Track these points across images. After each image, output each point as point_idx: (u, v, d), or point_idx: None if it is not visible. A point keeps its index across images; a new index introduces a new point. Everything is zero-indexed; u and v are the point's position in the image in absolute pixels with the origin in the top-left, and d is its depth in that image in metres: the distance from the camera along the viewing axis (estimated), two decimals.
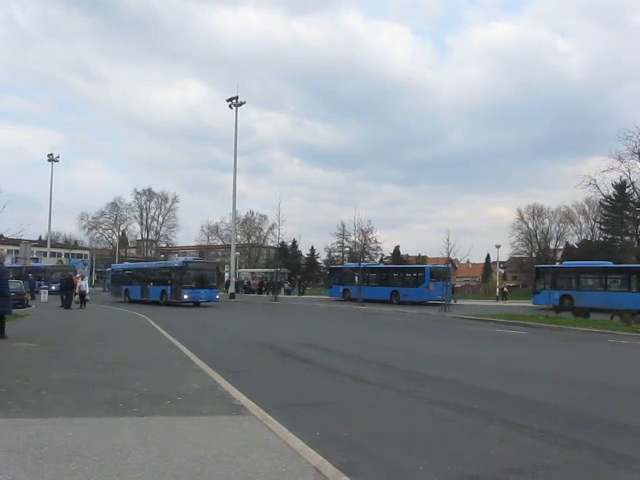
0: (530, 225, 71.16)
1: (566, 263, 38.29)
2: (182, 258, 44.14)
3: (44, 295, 35.14)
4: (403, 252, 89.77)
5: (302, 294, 52.01)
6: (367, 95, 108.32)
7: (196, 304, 32.55)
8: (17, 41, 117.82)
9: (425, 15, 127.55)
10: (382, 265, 52.17)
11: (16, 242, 42.07)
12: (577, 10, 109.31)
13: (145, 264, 46.65)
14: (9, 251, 62.18)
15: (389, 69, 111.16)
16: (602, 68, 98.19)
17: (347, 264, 50.16)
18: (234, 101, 45.99)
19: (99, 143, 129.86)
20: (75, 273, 34.30)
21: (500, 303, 42.55)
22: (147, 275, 37.09)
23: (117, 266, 44.98)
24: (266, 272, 57.01)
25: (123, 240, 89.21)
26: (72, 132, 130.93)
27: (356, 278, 37.64)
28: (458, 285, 67.81)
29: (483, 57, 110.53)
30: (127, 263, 53.78)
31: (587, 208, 65.94)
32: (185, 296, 32.19)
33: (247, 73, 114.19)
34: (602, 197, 57.14)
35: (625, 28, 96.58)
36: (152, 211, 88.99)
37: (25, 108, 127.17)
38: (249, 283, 56.32)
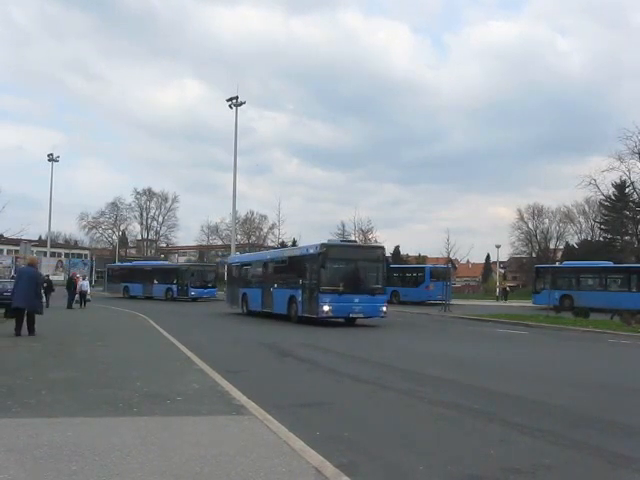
0: (530, 225, 71.21)
1: (566, 263, 38.32)
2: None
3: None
4: (403, 252, 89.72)
5: None
6: (367, 94, 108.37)
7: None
8: (15, 40, 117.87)
9: (424, 13, 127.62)
10: None
11: (16, 242, 42.13)
12: (577, 9, 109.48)
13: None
14: (9, 251, 62.30)
15: (388, 68, 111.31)
16: (602, 67, 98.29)
17: None
18: (234, 101, 45.91)
19: (99, 143, 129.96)
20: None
21: (500, 303, 42.57)
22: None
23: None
24: None
25: (123, 240, 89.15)
26: (72, 132, 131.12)
27: None
28: (458, 285, 67.82)
29: (483, 56, 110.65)
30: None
31: (587, 208, 65.97)
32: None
33: (246, 72, 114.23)
34: (602, 197, 57.16)
35: (625, 27, 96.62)
36: (152, 211, 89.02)
37: (24, 107, 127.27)
38: None
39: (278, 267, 22.91)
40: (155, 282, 40.97)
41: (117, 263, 58.60)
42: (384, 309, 19.26)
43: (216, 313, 26.39)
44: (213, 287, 39.83)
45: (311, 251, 19.83)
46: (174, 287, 38.89)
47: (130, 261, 72.38)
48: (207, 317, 24.72)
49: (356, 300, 18.73)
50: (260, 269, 24.53)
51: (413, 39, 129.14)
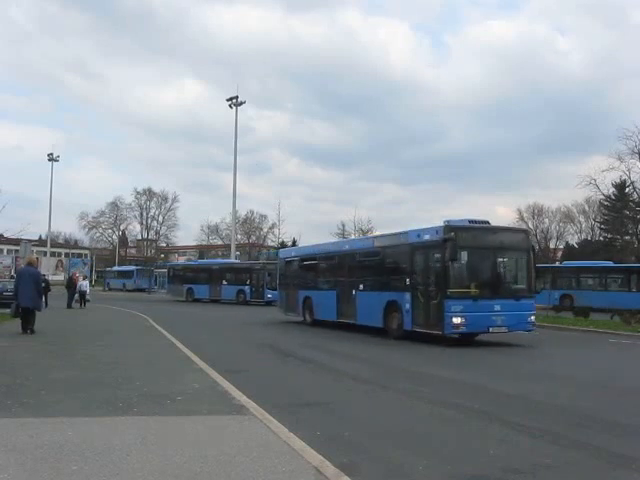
0: (530, 224, 70.99)
1: (566, 263, 38.28)
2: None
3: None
4: None
5: None
6: (366, 93, 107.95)
7: None
8: (14, 39, 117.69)
9: (424, 12, 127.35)
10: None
11: (16, 242, 42.14)
12: (577, 8, 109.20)
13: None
14: (9, 251, 62.33)
15: (388, 67, 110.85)
16: (602, 66, 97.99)
17: None
18: (234, 100, 45.96)
19: (98, 142, 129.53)
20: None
21: None
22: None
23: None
24: None
25: (123, 240, 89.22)
26: (71, 131, 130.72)
27: None
28: None
29: (482, 55, 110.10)
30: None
31: (587, 208, 65.91)
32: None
33: (245, 71, 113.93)
34: (602, 197, 57.08)
35: (626, 26, 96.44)
36: (152, 211, 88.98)
37: (23, 107, 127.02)
38: None
39: (365, 262, 17.00)
40: (224, 283, 36.34)
41: (179, 262, 53.12)
42: (533, 319, 14.08)
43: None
44: None
45: (427, 237, 13.91)
46: (247, 289, 34.19)
47: (136, 261, 72.38)
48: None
49: (497, 307, 13.22)
50: (333, 265, 18.79)
51: (412, 38, 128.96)
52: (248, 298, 33.97)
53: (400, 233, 15.63)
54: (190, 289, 38.46)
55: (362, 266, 17.07)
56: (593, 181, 50.47)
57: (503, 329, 13.54)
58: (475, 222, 14.45)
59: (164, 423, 5.38)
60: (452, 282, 13.12)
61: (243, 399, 6.47)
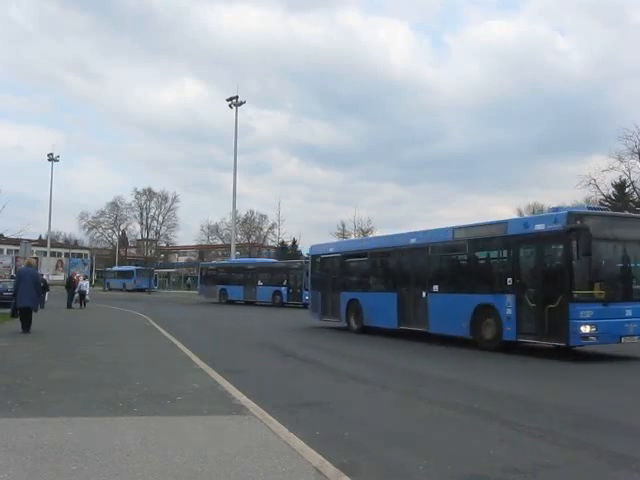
0: None
1: None
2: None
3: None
4: None
5: None
6: (366, 93, 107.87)
7: None
8: (14, 39, 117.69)
9: (424, 12, 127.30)
10: None
11: (16, 242, 42.17)
12: (577, 8, 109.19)
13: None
14: (9, 251, 62.37)
15: (388, 67, 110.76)
16: (602, 66, 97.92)
17: None
18: (234, 101, 46.01)
19: (98, 142, 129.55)
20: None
21: None
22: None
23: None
24: None
25: (123, 240, 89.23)
26: (71, 131, 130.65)
27: None
28: None
29: (482, 55, 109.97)
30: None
31: None
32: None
33: (245, 71, 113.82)
34: (602, 197, 57.13)
35: (626, 26, 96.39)
36: (152, 211, 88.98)
37: (23, 107, 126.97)
38: None
39: (441, 258, 14.51)
40: (259, 283, 34.32)
41: (213, 262, 50.42)
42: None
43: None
44: None
45: (540, 227, 11.48)
46: (283, 290, 32.15)
47: (136, 261, 72.20)
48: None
49: (628, 313, 11.10)
50: (392, 262, 16.00)
51: (413, 38, 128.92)
52: (285, 300, 31.86)
53: (495, 223, 13.27)
54: (223, 290, 36.66)
55: (436, 263, 14.45)
56: (593, 181, 50.54)
57: (635, 338, 11.26)
58: (595, 209, 12.50)
59: (164, 423, 5.38)
60: (578, 282, 10.73)
61: (243, 399, 6.47)
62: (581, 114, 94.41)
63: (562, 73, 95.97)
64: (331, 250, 19.31)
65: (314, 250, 20.52)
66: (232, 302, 35.57)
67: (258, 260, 43.83)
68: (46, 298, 25.08)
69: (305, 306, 27.36)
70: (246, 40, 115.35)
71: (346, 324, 17.22)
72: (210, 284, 38.39)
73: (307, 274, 25.91)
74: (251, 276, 35.12)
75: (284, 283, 32.34)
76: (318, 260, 19.54)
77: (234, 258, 45.33)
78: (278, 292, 32.37)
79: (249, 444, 4.69)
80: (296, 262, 35.42)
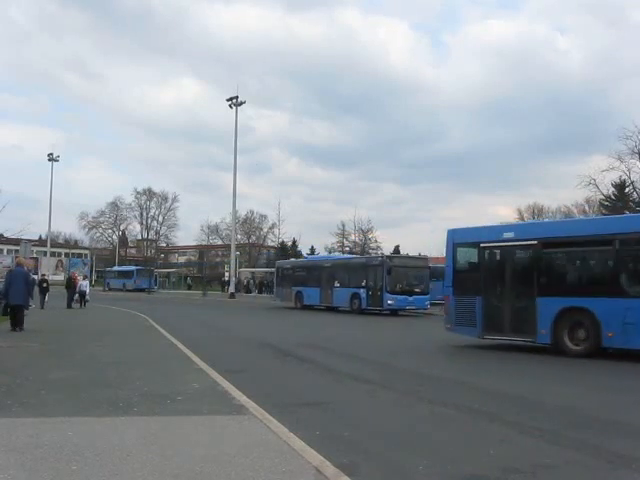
0: None
1: None
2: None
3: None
4: (403, 251, 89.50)
5: None
6: (366, 93, 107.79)
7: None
8: (14, 39, 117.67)
9: (423, 11, 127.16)
10: None
11: (16, 242, 42.16)
12: (577, 7, 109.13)
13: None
14: (9, 251, 62.38)
15: (388, 66, 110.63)
16: (603, 66, 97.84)
17: None
18: (234, 100, 46.00)
19: (98, 142, 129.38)
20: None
21: None
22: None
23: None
24: (266, 272, 56.94)
25: (123, 240, 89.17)
26: (71, 131, 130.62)
27: None
28: None
29: (482, 54, 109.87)
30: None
31: (587, 208, 65.93)
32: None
33: (244, 70, 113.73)
34: (602, 197, 57.14)
35: (625, 26, 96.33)
36: (152, 211, 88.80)
37: (23, 106, 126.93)
38: (249, 283, 56.29)
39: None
40: (336, 285, 28.46)
41: (290, 260, 42.88)
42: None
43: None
44: (424, 293, 26.39)
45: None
46: (362, 292, 26.36)
47: (135, 261, 71.84)
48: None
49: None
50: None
51: (412, 37, 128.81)
52: (363, 305, 26.33)
53: None
54: (299, 293, 30.72)
55: None
56: (593, 181, 50.52)
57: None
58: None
59: (164, 423, 5.38)
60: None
61: (243, 399, 6.47)
62: (581, 114, 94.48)
63: (562, 73, 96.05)
64: (508, 235, 13.10)
65: (460, 236, 14.12)
66: (308, 307, 30.08)
67: (334, 257, 37.95)
68: (46, 298, 25.21)
69: (391, 312, 25.51)
70: (246, 39, 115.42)
71: (549, 342, 11.85)
72: (286, 286, 32.51)
73: (388, 272, 24.07)
74: (327, 276, 29.42)
75: (362, 284, 26.67)
76: (476, 250, 13.67)
77: (233, 259, 44.40)
78: (356, 295, 26.76)
79: (249, 444, 4.69)
80: (376, 257, 30.73)
